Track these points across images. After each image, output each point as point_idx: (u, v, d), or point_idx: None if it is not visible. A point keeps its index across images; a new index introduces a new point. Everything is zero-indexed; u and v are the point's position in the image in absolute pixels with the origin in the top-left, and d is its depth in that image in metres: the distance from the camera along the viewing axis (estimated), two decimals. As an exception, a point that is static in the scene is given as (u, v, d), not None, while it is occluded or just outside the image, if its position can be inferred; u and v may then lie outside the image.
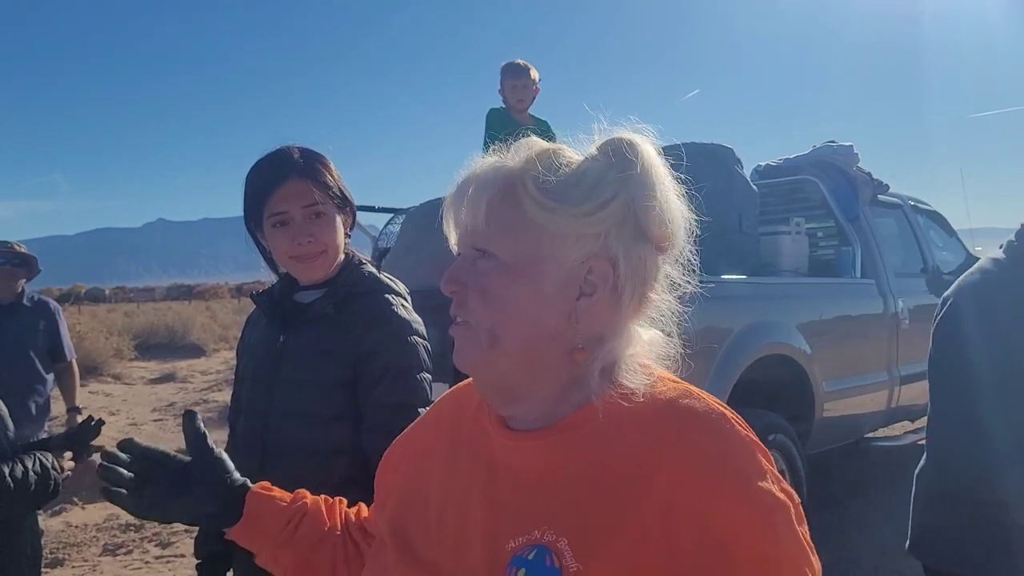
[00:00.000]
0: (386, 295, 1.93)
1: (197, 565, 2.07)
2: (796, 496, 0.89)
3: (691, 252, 0.99)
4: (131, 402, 11.79)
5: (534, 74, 4.83)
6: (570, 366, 0.94)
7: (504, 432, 1.00)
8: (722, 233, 4.83)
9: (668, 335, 1.00)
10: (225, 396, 10.83)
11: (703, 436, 0.89)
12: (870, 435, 5.83)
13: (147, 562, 5.50)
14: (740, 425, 0.91)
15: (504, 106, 4.77)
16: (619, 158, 0.94)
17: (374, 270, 1.99)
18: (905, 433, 6.06)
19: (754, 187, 5.27)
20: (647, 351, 0.98)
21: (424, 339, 1.94)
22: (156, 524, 6.21)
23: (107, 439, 6.89)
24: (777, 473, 0.89)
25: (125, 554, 5.64)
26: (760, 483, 0.85)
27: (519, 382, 0.97)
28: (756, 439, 0.91)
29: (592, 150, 0.97)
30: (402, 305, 1.95)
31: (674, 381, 0.96)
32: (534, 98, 4.82)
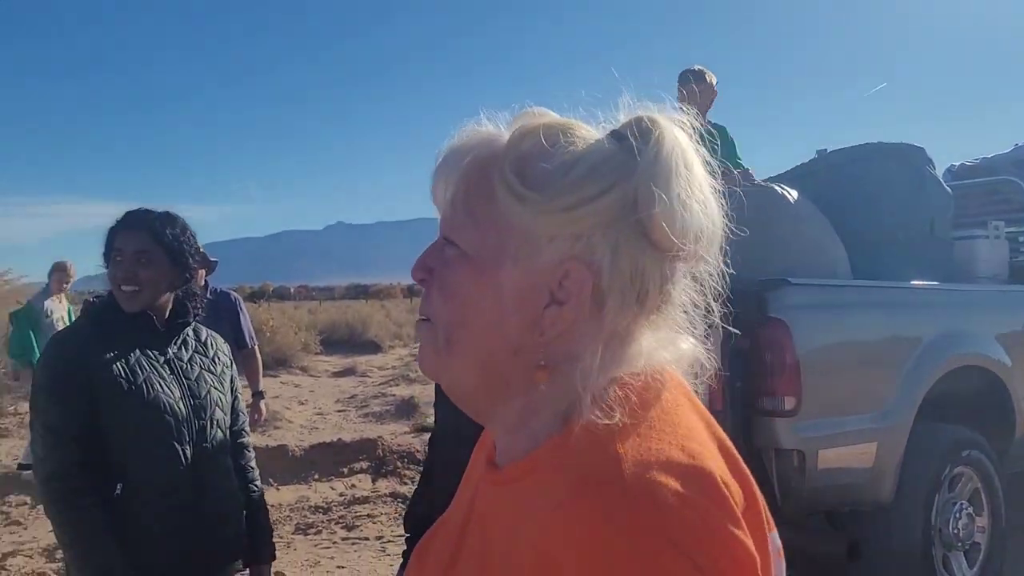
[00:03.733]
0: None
1: (407, 539, 2.26)
2: None
3: (721, 270, 0.82)
4: (317, 393, 12.63)
5: (710, 78, 4.80)
6: (531, 385, 0.77)
7: (488, 470, 0.84)
8: (912, 237, 4.62)
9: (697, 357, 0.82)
10: (402, 391, 11.39)
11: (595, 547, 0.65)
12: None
13: (334, 543, 5.89)
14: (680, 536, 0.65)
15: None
16: (627, 141, 0.76)
17: None
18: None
19: (947, 189, 5.01)
20: (668, 360, 0.80)
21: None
22: (342, 507, 6.66)
23: (297, 427, 7.56)
24: None
25: (315, 534, 6.07)
26: None
27: (479, 398, 0.82)
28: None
29: (603, 130, 0.80)
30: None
31: (650, 432, 0.73)
32: (712, 102, 4.80)
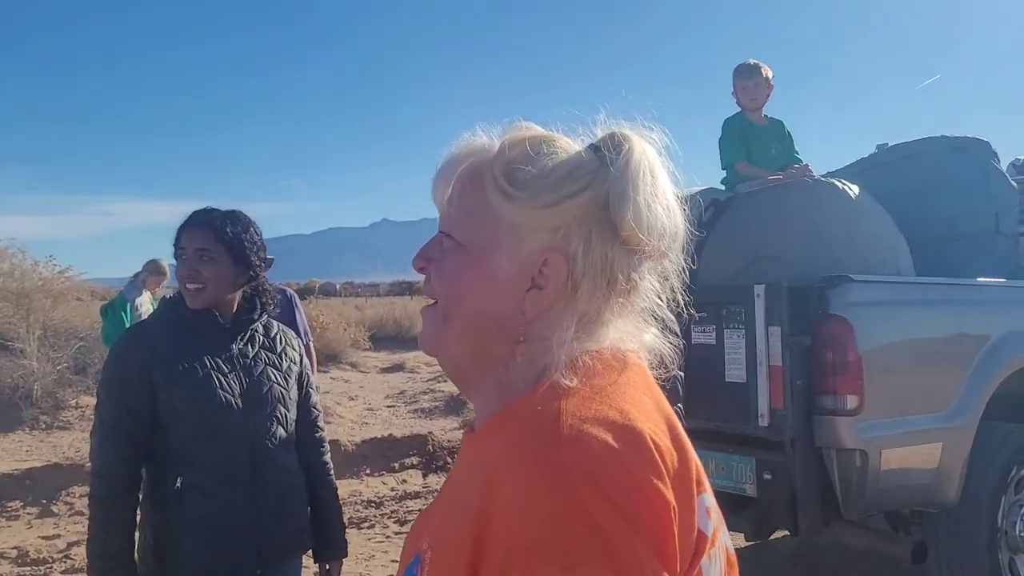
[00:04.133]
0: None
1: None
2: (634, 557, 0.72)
3: (681, 265, 0.92)
4: (367, 389, 12.77)
5: (766, 72, 4.74)
6: (511, 358, 0.90)
7: (466, 433, 0.97)
8: (977, 233, 4.52)
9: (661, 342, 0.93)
10: (450, 387, 11.42)
11: (519, 464, 0.78)
12: None
13: (387, 536, 5.95)
14: (582, 455, 0.75)
15: (739, 110, 4.72)
16: (604, 152, 0.88)
17: None
18: None
19: (1013, 183, 4.87)
20: (632, 348, 0.91)
21: (678, 336, 2.00)
22: (394, 502, 6.73)
23: (348, 422, 7.64)
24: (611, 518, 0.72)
25: (368, 528, 6.14)
26: (563, 525, 0.72)
27: (467, 367, 0.94)
28: (598, 472, 0.74)
29: (582, 143, 0.93)
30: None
31: (598, 394, 0.83)
32: (768, 96, 4.73)
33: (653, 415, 0.85)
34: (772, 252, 3.92)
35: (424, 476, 7.58)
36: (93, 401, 9.48)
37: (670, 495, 0.77)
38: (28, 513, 6.45)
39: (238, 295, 2.35)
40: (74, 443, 8.34)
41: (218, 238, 2.24)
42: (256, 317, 2.39)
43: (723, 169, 4.74)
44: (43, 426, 8.74)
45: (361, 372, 14.66)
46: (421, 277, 0.96)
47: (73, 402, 9.33)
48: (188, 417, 2.18)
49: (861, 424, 3.43)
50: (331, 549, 2.51)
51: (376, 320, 19.49)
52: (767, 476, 3.61)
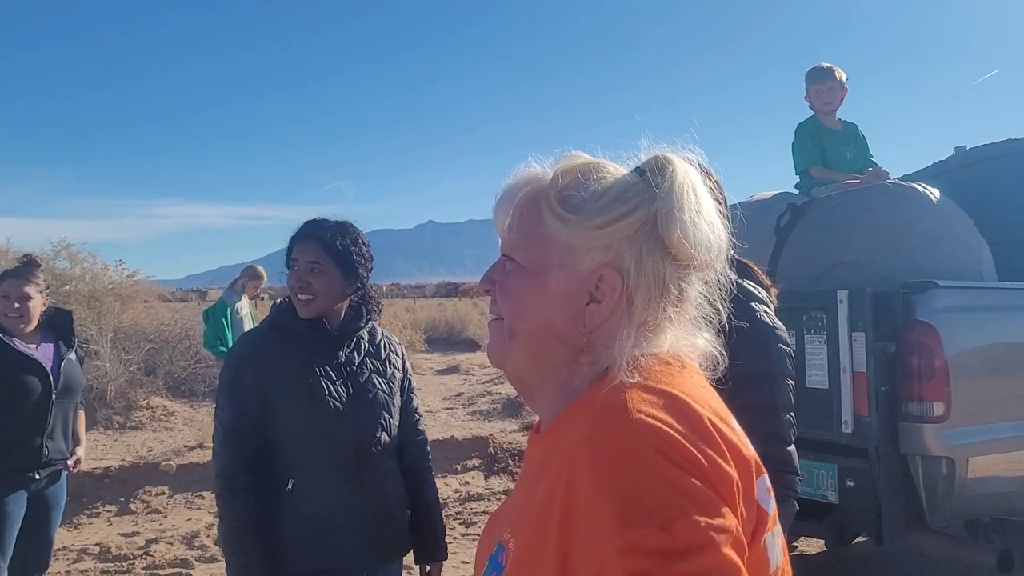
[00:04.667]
0: (751, 303, 2.03)
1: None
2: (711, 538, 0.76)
3: (726, 276, 0.98)
4: (424, 391, 12.84)
5: (839, 75, 4.70)
6: (572, 367, 0.97)
7: (532, 434, 1.05)
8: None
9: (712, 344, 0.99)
10: (507, 389, 11.47)
11: (599, 449, 0.83)
12: None
13: (454, 538, 6.01)
14: (661, 447, 0.81)
15: (812, 114, 4.69)
16: (648, 174, 0.95)
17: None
18: None
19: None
20: (687, 354, 0.97)
21: (788, 345, 2.02)
22: (458, 504, 6.80)
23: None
24: (691, 502, 0.77)
25: (436, 529, 6.21)
26: (633, 504, 0.76)
27: (531, 378, 1.02)
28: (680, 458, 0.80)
29: (628, 167, 0.99)
30: (765, 312, 2.04)
31: (658, 386, 0.89)
32: (842, 100, 4.69)
33: (711, 404, 0.91)
34: (852, 257, 3.90)
35: (486, 478, 7.64)
36: (163, 402, 9.77)
37: (733, 471, 0.83)
38: (108, 511, 6.66)
39: (345, 303, 2.42)
40: (146, 443, 8.57)
41: (328, 251, 2.31)
42: (362, 325, 2.46)
43: (797, 174, 4.72)
44: (116, 426, 8.99)
45: (418, 374, 14.70)
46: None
47: (144, 402, 9.57)
48: (299, 422, 2.25)
49: (947, 431, 3.40)
50: (433, 552, 2.56)
51: (428, 322, 19.64)
52: (850, 483, 3.60)
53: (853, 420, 3.48)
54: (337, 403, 2.29)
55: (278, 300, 2.51)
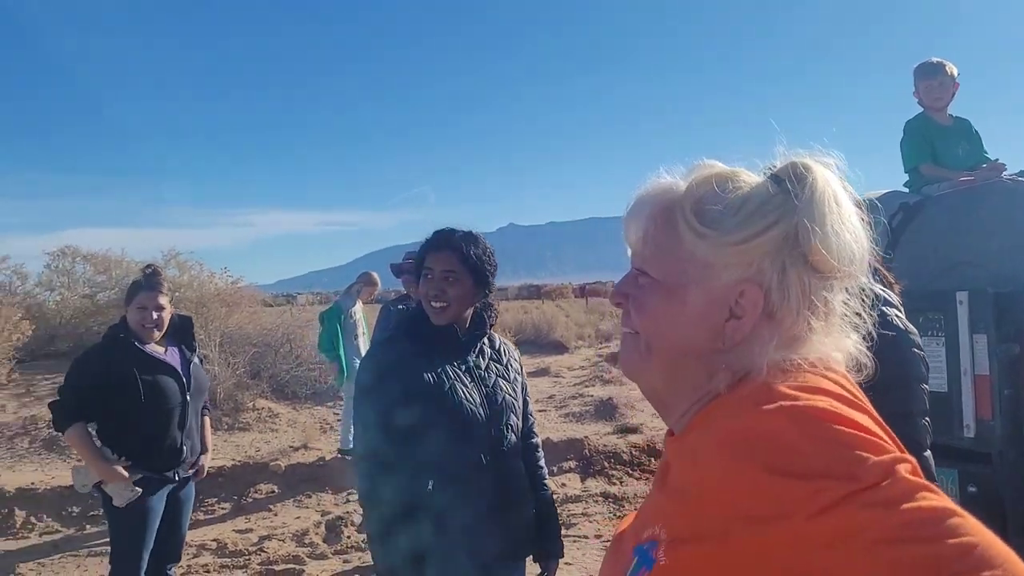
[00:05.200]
0: (883, 307, 2.03)
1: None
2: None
3: (869, 285, 0.96)
4: (514, 393, 12.91)
5: (950, 70, 4.57)
6: (710, 380, 0.94)
7: (668, 437, 1.04)
8: None
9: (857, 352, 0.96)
10: (598, 391, 11.51)
11: (738, 431, 0.84)
12: None
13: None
14: (818, 434, 0.79)
15: (921, 111, 4.58)
16: (788, 184, 0.92)
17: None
18: None
19: None
20: (833, 361, 0.94)
21: (921, 349, 2.01)
22: (557, 505, 6.84)
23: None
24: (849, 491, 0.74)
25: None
26: (775, 477, 0.76)
27: (667, 395, 1.00)
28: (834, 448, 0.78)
29: (765, 175, 0.96)
30: (897, 316, 2.03)
31: (800, 381, 0.88)
32: (953, 95, 4.57)
33: (863, 405, 0.89)
34: (969, 257, 3.80)
35: (582, 480, 7.66)
36: (268, 404, 10.13)
37: (893, 448, 0.81)
38: (222, 508, 6.97)
39: (471, 311, 2.51)
40: (253, 443, 8.92)
41: (462, 260, 2.40)
42: (485, 331, 2.55)
43: (906, 172, 4.61)
44: (225, 427, 9.38)
45: (509, 377, 14.81)
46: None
47: (251, 405, 9.95)
48: (440, 425, 2.34)
49: (1076, 435, 3.29)
50: (550, 549, 2.64)
51: (515, 325, 19.78)
52: (972, 488, 3.51)
53: (975, 424, 3.40)
54: (471, 405, 2.37)
55: (391, 306, 2.61)
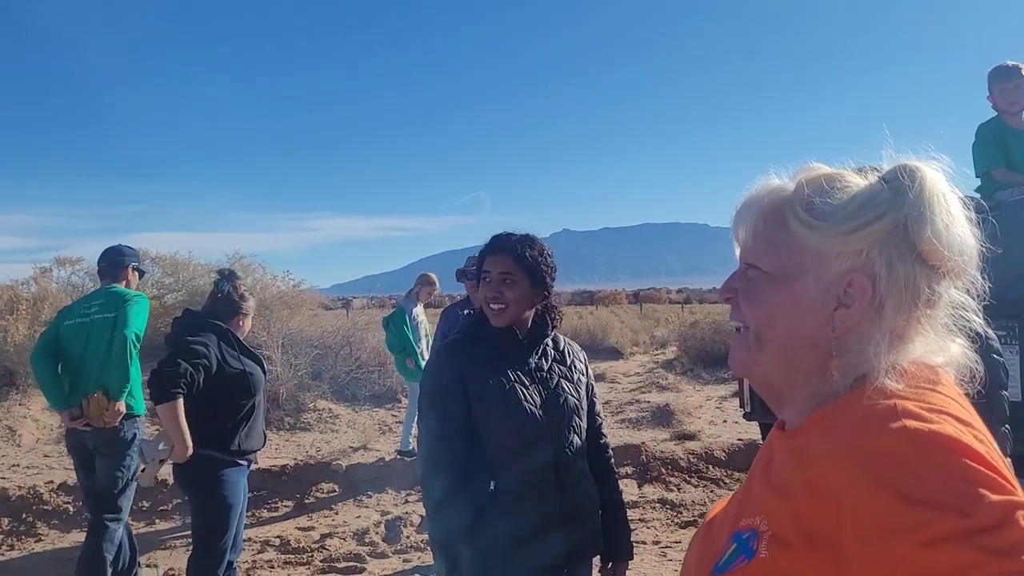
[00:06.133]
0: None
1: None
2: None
3: (979, 284, 0.97)
4: (569, 398, 12.90)
5: (1025, 72, 4.48)
6: (824, 372, 0.98)
7: (778, 432, 1.06)
8: None
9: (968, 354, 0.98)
10: (655, 397, 11.45)
11: (872, 452, 0.84)
12: None
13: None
14: (939, 457, 0.81)
15: (995, 115, 4.49)
16: (895, 182, 0.96)
17: None
18: None
19: None
20: (940, 363, 0.96)
21: (1001, 356, 1.98)
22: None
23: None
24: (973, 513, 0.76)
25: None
26: (908, 506, 0.78)
27: (782, 384, 1.04)
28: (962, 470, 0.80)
29: (873, 176, 1.00)
30: (976, 320, 2.01)
31: (922, 396, 0.90)
32: (1029, 98, 4.47)
33: (981, 437, 0.88)
34: (1045, 264, 3.70)
35: (639, 486, 7.62)
36: (328, 405, 10.31)
37: (1009, 475, 0.82)
38: (285, 506, 7.11)
39: (532, 312, 2.55)
40: (315, 443, 9.09)
41: (519, 262, 2.44)
42: (548, 332, 2.58)
43: (978, 176, 4.53)
44: (287, 427, 9.58)
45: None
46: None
47: (312, 405, 10.15)
48: (501, 427, 2.37)
49: None
50: (621, 550, 2.65)
51: (570, 330, 19.77)
52: (1048, 500, 3.41)
53: (1052, 434, 3.31)
54: (533, 407, 2.40)
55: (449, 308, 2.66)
